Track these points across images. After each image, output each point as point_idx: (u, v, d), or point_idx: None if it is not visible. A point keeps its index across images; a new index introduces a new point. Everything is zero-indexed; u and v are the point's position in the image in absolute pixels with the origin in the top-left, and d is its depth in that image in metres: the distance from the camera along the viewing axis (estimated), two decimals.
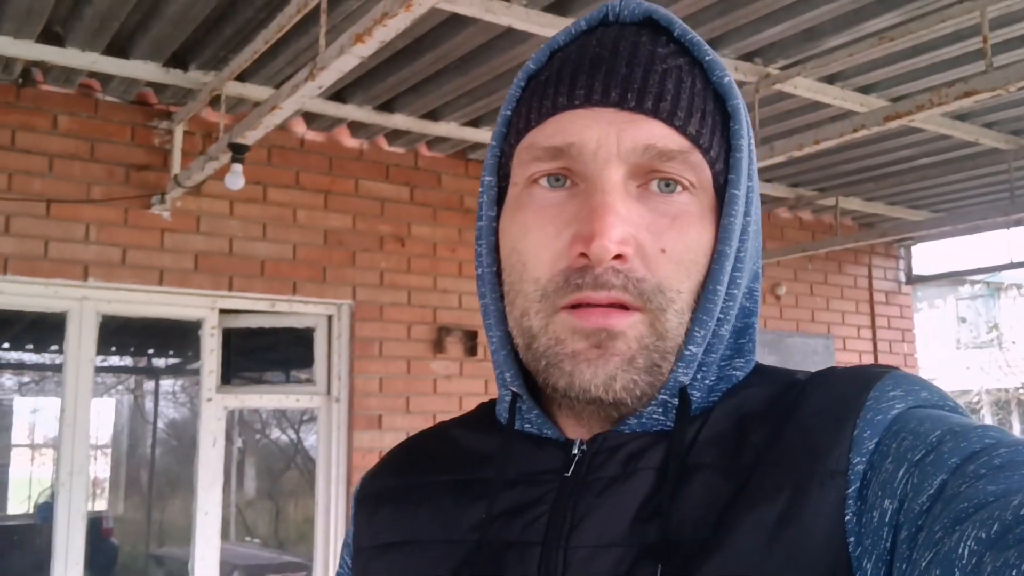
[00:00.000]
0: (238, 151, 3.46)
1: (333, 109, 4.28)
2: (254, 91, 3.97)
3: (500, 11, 3.11)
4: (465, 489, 0.73)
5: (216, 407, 4.43)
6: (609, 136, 0.65)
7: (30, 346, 6.74)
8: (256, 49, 3.33)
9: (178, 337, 4.45)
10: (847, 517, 0.58)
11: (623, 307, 0.64)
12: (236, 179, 3.52)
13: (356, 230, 4.75)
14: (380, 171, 4.86)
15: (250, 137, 3.39)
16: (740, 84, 3.88)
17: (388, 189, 4.87)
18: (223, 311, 4.49)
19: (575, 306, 0.65)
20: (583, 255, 0.64)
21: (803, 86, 3.89)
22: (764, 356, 5.05)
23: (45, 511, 7.87)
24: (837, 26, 3.48)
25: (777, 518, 0.59)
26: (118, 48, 3.70)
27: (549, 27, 3.21)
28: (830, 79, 3.96)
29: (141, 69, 3.79)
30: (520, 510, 0.69)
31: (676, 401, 0.68)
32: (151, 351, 5.85)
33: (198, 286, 4.32)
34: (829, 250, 6.23)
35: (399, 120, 4.41)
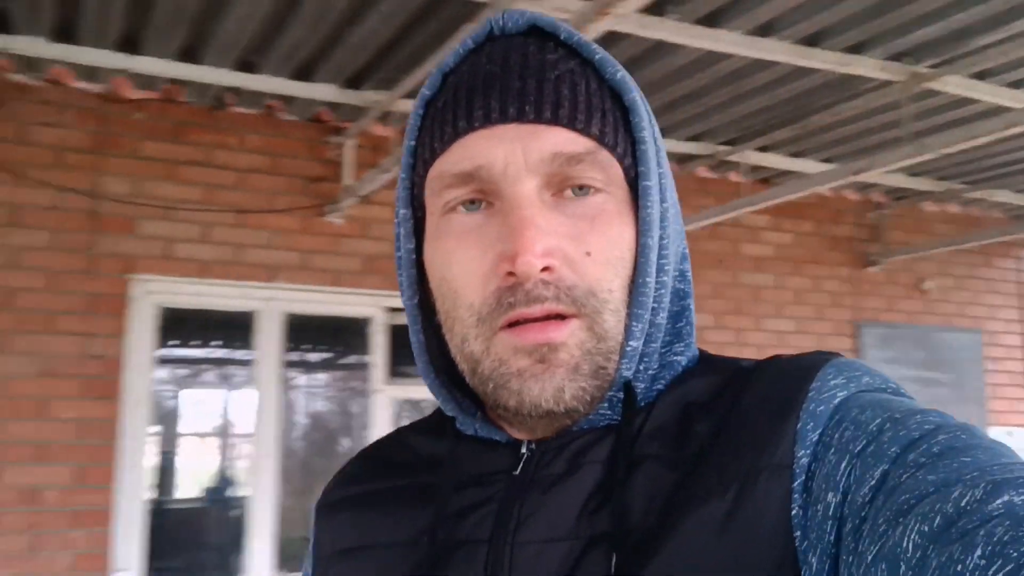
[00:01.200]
0: None
1: None
2: None
3: (653, 26, 3.32)
4: (420, 493, 0.74)
5: (384, 398, 4.80)
6: (515, 152, 0.65)
7: (217, 343, 7.35)
8: (428, 71, 3.64)
9: (349, 334, 4.86)
10: (793, 511, 0.58)
11: (560, 317, 0.64)
12: None
13: None
14: None
15: None
16: (887, 84, 3.96)
17: None
18: (390, 309, 4.86)
19: (512, 324, 0.65)
20: (511, 273, 0.64)
21: (953, 83, 3.93)
22: (910, 351, 4.98)
23: (213, 494, 8.51)
24: (988, 25, 3.53)
25: (725, 513, 0.59)
26: (302, 72, 4.09)
27: (700, 38, 3.41)
28: (980, 75, 3.99)
29: (322, 91, 4.19)
30: (469, 510, 0.70)
31: (621, 395, 0.68)
32: (322, 346, 6.32)
33: (368, 286, 4.71)
34: (978, 244, 6.14)
35: None
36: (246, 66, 4.02)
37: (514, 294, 0.64)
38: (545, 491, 0.67)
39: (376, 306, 4.82)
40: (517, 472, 0.70)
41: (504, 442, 0.72)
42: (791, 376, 0.66)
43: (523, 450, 0.71)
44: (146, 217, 4.23)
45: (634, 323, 0.67)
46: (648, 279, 0.67)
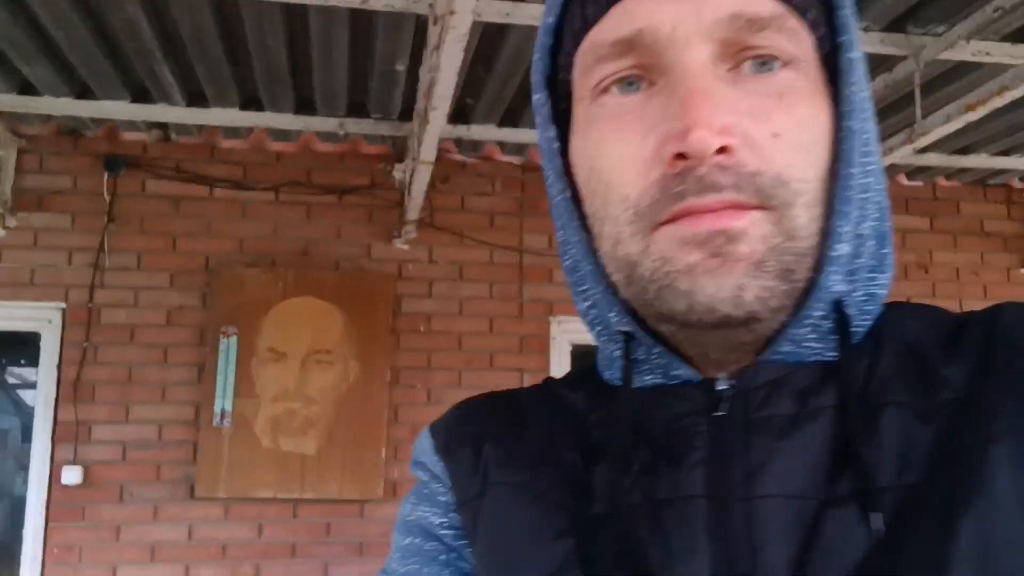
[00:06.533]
0: None
1: None
2: None
3: None
4: (584, 448, 0.62)
5: None
6: (685, 11, 0.53)
7: None
8: None
9: None
10: None
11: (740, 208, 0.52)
12: None
13: None
14: (899, 206, 5.27)
15: None
16: None
17: (908, 221, 5.26)
18: None
19: (678, 219, 0.53)
20: (679, 156, 0.51)
21: None
22: None
23: None
24: None
25: None
26: None
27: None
28: None
29: None
30: (664, 463, 0.57)
31: (830, 323, 0.56)
32: None
33: None
34: None
35: (932, 159, 4.79)
36: None
37: (684, 181, 0.51)
38: (778, 436, 0.54)
39: None
40: (722, 413, 0.56)
41: (688, 379, 0.59)
42: None
43: (721, 387, 0.57)
44: (559, 266, 4.84)
45: (840, 223, 0.53)
46: (853, 170, 0.54)
